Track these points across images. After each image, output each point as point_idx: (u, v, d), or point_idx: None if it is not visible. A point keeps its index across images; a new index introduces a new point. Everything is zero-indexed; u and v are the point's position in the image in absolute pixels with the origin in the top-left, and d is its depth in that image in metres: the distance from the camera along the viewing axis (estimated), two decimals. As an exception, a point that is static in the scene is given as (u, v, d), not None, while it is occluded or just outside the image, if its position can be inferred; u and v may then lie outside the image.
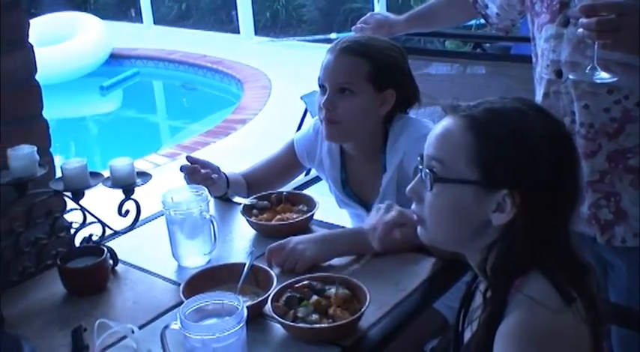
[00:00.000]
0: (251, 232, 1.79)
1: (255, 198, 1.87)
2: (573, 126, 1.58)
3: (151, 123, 7.17)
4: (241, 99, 6.35)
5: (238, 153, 4.70)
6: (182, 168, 1.82)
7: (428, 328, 1.86)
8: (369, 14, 2.27)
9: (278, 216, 1.79)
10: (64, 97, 6.45)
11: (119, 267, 1.66)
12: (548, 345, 1.03)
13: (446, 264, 1.55)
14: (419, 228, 1.20)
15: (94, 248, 1.62)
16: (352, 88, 1.78)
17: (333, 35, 7.35)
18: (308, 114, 3.98)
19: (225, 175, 1.91)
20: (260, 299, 1.40)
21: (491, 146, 1.09)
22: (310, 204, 1.83)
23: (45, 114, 1.78)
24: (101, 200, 1.61)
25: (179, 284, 1.49)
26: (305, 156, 2.02)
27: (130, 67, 7.82)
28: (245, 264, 1.51)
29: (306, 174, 2.43)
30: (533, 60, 1.73)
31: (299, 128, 3.74)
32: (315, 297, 1.38)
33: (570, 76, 1.54)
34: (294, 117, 4.15)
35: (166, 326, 1.24)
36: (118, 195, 1.61)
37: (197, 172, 1.81)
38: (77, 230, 1.64)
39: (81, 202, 1.60)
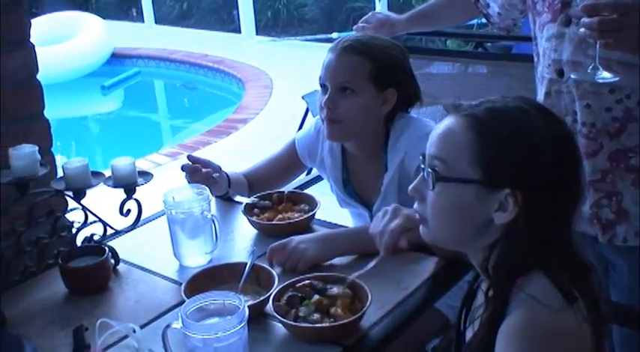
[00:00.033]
0: (252, 231, 1.79)
1: (256, 197, 1.87)
2: (575, 125, 1.58)
3: (152, 123, 7.17)
4: (242, 99, 6.35)
5: (239, 153, 4.70)
6: (183, 168, 1.82)
7: (429, 327, 1.86)
8: (370, 13, 2.27)
9: (279, 216, 1.79)
10: (66, 97, 6.45)
11: (120, 267, 1.66)
12: (550, 344, 1.03)
13: (448, 264, 1.55)
14: (421, 227, 1.20)
15: (96, 247, 1.62)
16: (354, 87, 1.78)
17: (334, 34, 7.34)
18: (309, 113, 3.98)
19: (227, 174, 1.91)
20: (261, 298, 1.40)
21: (494, 145, 1.09)
22: (311, 203, 1.83)
23: (46, 113, 1.79)
24: (102, 199, 1.61)
25: (180, 284, 1.49)
26: (306, 156, 2.02)
27: (132, 67, 7.82)
28: (246, 264, 1.51)
29: (308, 174, 2.43)
30: (535, 59, 1.73)
31: (300, 127, 3.75)
32: (316, 297, 1.38)
33: (572, 76, 1.53)
34: (295, 117, 4.15)
35: (168, 326, 1.24)
36: (120, 194, 1.61)
37: (198, 171, 1.81)
38: (79, 229, 1.65)
39: (82, 202, 1.60)
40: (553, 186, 1.08)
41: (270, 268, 1.51)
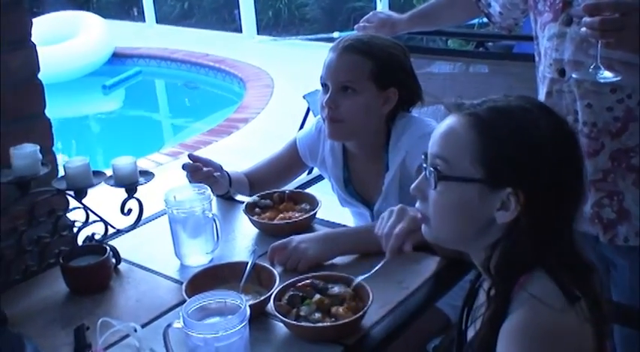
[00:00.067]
0: (253, 231, 1.79)
1: (257, 196, 1.87)
2: (576, 125, 1.57)
3: (153, 122, 7.17)
4: (243, 98, 6.35)
5: (240, 152, 4.70)
6: (184, 166, 1.82)
7: (431, 327, 1.86)
8: (371, 13, 2.27)
9: (280, 215, 1.79)
10: (67, 96, 6.45)
11: (122, 266, 1.66)
12: (551, 344, 1.03)
13: (449, 263, 1.55)
14: (423, 226, 1.20)
15: (97, 246, 1.62)
16: (355, 87, 1.78)
17: (335, 34, 7.33)
18: (310, 113, 3.98)
19: (228, 174, 1.91)
20: (262, 297, 1.40)
21: (496, 144, 1.09)
22: (313, 202, 1.83)
23: (47, 113, 1.78)
24: (104, 199, 1.61)
25: (181, 283, 1.49)
26: (307, 155, 2.02)
27: (133, 66, 7.82)
28: (247, 263, 1.51)
29: (309, 173, 2.43)
30: (536, 59, 1.73)
31: (301, 127, 3.75)
32: (317, 296, 1.38)
33: (573, 75, 1.53)
34: (296, 116, 4.14)
35: (169, 325, 1.24)
36: (121, 193, 1.61)
37: (199, 170, 1.81)
38: (80, 229, 1.65)
39: (83, 201, 1.60)
40: (555, 185, 1.08)
41: (271, 267, 1.51)
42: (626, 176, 1.57)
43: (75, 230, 1.65)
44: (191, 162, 1.84)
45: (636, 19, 1.31)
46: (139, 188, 1.61)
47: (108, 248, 1.60)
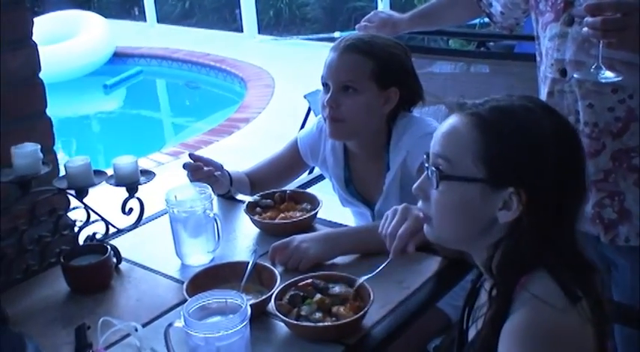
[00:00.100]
0: (254, 230, 1.79)
1: (258, 196, 1.87)
2: (577, 125, 1.57)
3: (154, 122, 7.17)
4: (244, 98, 6.35)
5: (241, 152, 4.69)
6: (185, 166, 1.82)
7: (432, 327, 1.86)
8: (372, 12, 2.27)
9: (281, 215, 1.79)
10: (68, 96, 6.45)
11: (122, 265, 1.66)
12: (553, 344, 1.03)
13: (450, 263, 1.55)
14: (425, 226, 1.20)
15: (98, 246, 1.62)
16: (356, 86, 1.78)
17: (336, 34, 7.32)
18: (311, 112, 3.98)
19: (229, 173, 1.91)
20: (263, 297, 1.40)
21: (498, 144, 1.09)
22: (314, 202, 1.83)
23: (48, 112, 1.79)
24: (105, 198, 1.61)
25: (182, 283, 1.49)
26: (308, 155, 2.02)
27: (134, 66, 7.82)
28: (248, 263, 1.51)
29: (310, 173, 2.42)
30: (538, 59, 1.73)
31: (302, 126, 3.74)
32: (318, 296, 1.37)
33: (575, 75, 1.53)
34: (297, 116, 4.14)
35: (170, 324, 1.24)
36: (122, 193, 1.61)
37: (200, 169, 1.81)
38: (81, 228, 1.65)
39: (84, 200, 1.60)
40: (557, 185, 1.08)
41: (272, 267, 1.51)
42: (627, 176, 1.57)
43: (76, 229, 1.65)
44: (192, 161, 1.84)
45: (638, 19, 1.31)
46: (139, 187, 1.61)
47: (109, 247, 1.60)
